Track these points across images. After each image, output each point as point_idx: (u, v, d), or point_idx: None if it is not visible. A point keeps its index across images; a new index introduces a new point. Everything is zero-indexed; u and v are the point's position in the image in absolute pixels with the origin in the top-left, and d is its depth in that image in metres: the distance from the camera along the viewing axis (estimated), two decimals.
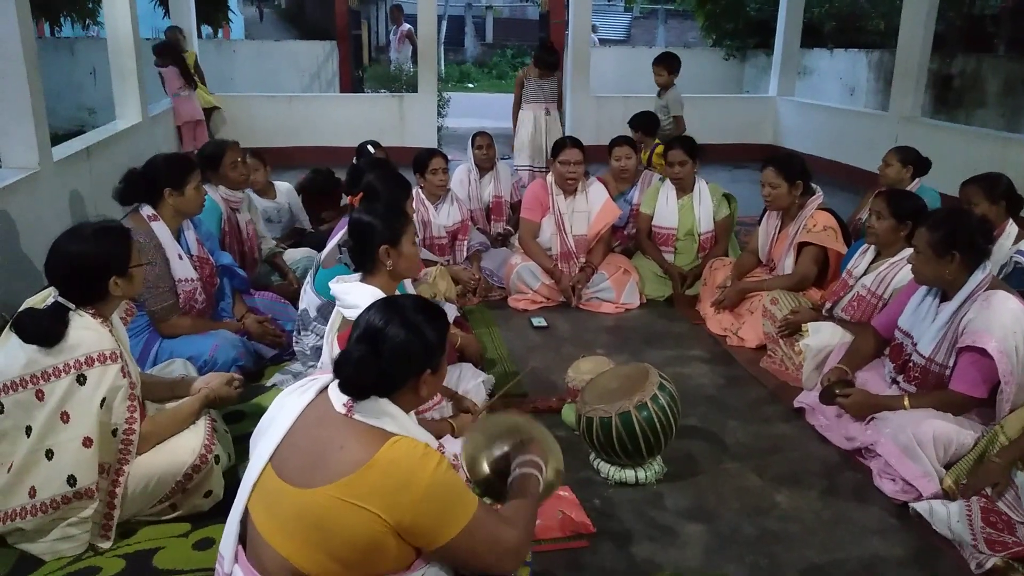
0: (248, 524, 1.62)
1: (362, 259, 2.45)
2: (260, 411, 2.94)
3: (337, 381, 1.58)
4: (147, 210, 3.07)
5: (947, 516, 2.30)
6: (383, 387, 1.58)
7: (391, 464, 1.50)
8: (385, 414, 1.58)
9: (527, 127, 6.20)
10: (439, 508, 1.50)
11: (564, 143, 4.44)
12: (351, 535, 1.49)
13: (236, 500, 1.65)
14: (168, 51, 7.60)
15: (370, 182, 3.19)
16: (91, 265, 2.17)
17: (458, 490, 1.55)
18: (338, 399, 1.59)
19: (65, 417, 2.11)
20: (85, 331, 2.14)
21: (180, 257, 3.12)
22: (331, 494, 1.48)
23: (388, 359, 1.57)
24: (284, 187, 4.88)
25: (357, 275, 2.48)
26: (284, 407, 1.66)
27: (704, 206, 4.50)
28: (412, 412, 1.69)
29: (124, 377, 2.17)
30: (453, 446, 2.13)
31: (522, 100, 6.26)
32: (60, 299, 2.16)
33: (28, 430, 2.12)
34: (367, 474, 1.49)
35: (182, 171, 3.11)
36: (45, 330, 2.11)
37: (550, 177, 4.50)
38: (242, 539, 1.65)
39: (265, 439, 1.64)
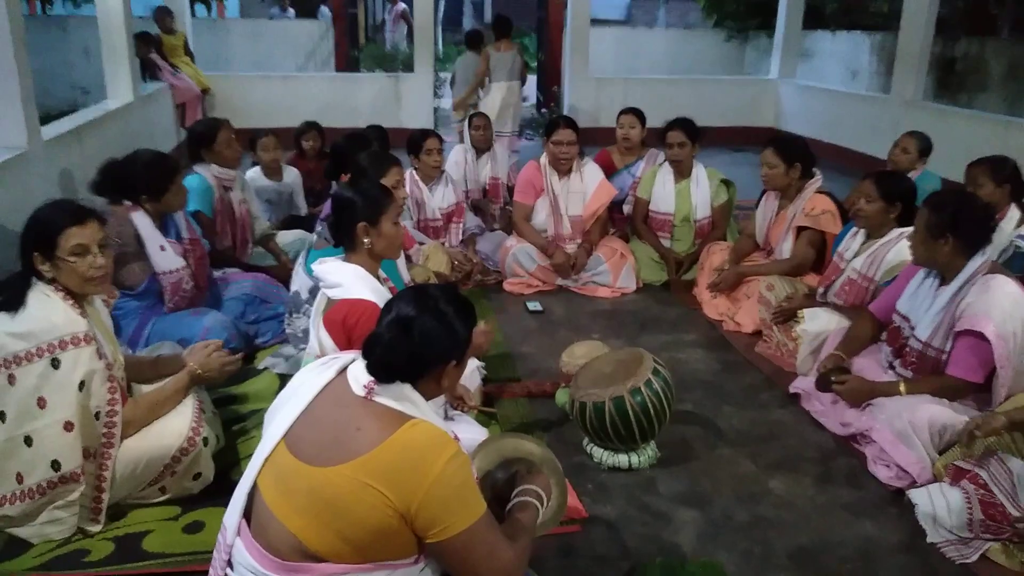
0: (256, 499, 1.61)
1: (339, 235, 2.42)
2: (250, 394, 2.98)
3: (364, 362, 1.58)
4: (127, 202, 3.01)
5: (946, 505, 2.27)
6: (409, 372, 1.58)
7: (406, 445, 1.49)
8: (406, 399, 1.57)
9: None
10: (446, 498, 1.48)
11: (558, 123, 4.39)
12: (361, 516, 1.47)
13: (246, 473, 1.64)
14: (144, 42, 7.57)
15: (357, 161, 3.17)
16: (23, 233, 2.14)
17: (469, 487, 1.54)
18: (357, 381, 1.57)
19: (42, 402, 2.08)
20: (55, 313, 2.10)
21: (163, 248, 3.05)
22: (345, 473, 1.47)
23: (418, 345, 1.57)
24: (292, 172, 4.89)
25: (340, 254, 2.45)
26: (303, 384, 1.65)
27: (702, 191, 4.45)
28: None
29: (100, 359, 2.14)
30: (463, 433, 2.10)
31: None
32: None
33: (2, 416, 2.09)
34: (382, 453, 1.47)
35: (161, 179, 3.01)
36: (7, 293, 2.08)
37: (544, 158, 4.45)
38: (246, 515, 1.63)
39: (281, 415, 1.63)
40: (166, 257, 3.06)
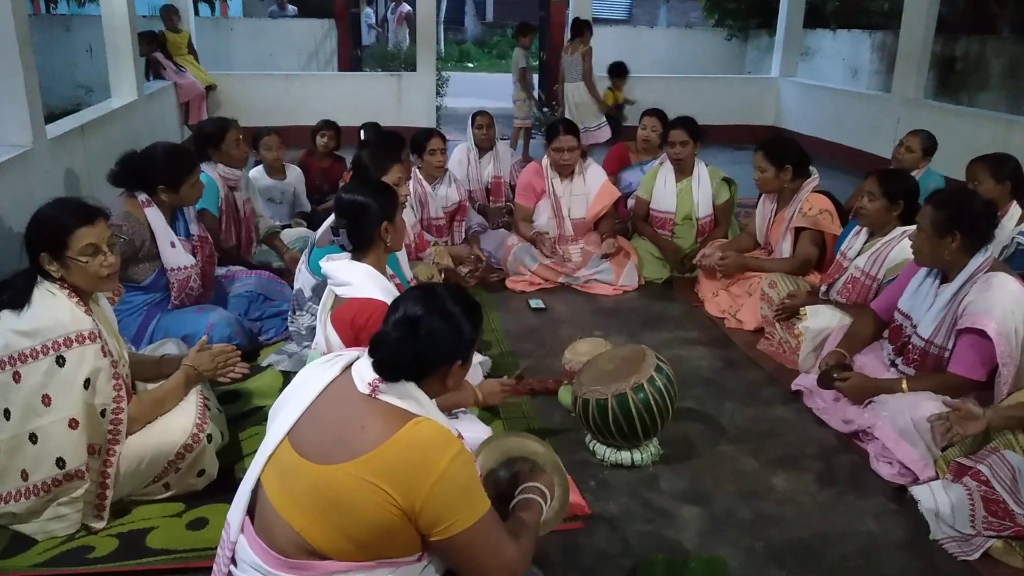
0: (260, 496, 1.61)
1: (360, 239, 2.43)
2: (254, 391, 2.98)
3: (369, 360, 1.58)
4: (142, 195, 3.02)
5: (948, 501, 2.28)
6: (415, 371, 1.59)
7: (410, 443, 1.49)
8: (410, 397, 1.57)
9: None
10: (451, 497, 1.48)
11: (558, 129, 4.38)
12: (364, 515, 1.47)
13: (249, 471, 1.64)
14: (148, 40, 7.60)
15: (358, 159, 3.17)
16: (30, 231, 2.13)
17: (473, 485, 1.54)
18: (362, 379, 1.58)
19: (46, 400, 2.08)
20: (60, 311, 2.10)
21: (173, 245, 3.06)
22: (349, 471, 1.47)
23: (424, 345, 1.57)
24: (295, 171, 4.92)
25: (347, 253, 2.46)
26: (307, 381, 1.65)
27: (703, 190, 4.44)
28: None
29: (105, 357, 2.14)
30: (467, 431, 2.11)
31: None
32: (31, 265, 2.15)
33: (7, 413, 2.09)
34: (386, 452, 1.48)
35: (180, 170, 3.05)
36: (13, 291, 2.08)
37: (545, 160, 4.46)
38: (250, 511, 1.64)
39: (284, 412, 1.63)
40: (176, 254, 3.07)
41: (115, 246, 2.23)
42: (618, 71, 7.66)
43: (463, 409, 2.62)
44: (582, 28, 7.29)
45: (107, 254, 2.18)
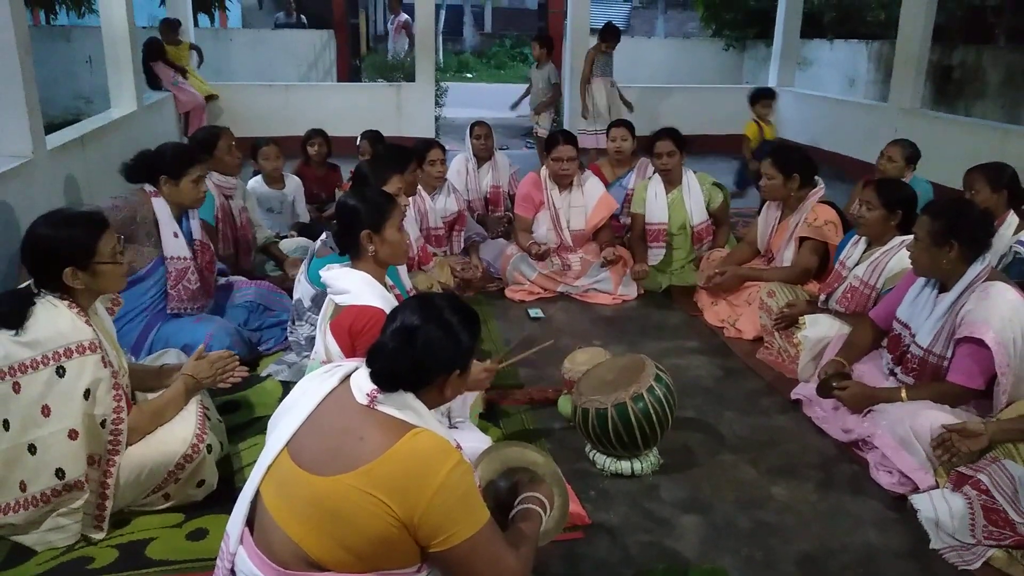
0: (259, 507, 1.61)
1: (345, 243, 2.43)
2: (253, 401, 2.98)
3: (367, 371, 1.58)
4: (149, 188, 3.13)
5: (948, 511, 2.27)
6: (413, 381, 1.59)
7: (409, 455, 1.49)
8: (408, 407, 1.57)
9: (601, 96, 7.17)
10: (450, 508, 1.48)
11: (557, 139, 4.39)
12: (363, 526, 1.47)
13: (248, 481, 1.64)
14: (152, 50, 7.65)
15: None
16: (46, 250, 2.12)
17: (472, 496, 1.54)
18: (360, 390, 1.58)
19: (46, 411, 2.08)
20: (61, 322, 2.10)
21: (176, 235, 3.13)
22: (347, 483, 1.47)
23: (421, 355, 1.57)
24: (294, 181, 4.93)
25: (347, 262, 2.47)
26: (306, 392, 1.66)
27: (695, 198, 4.44)
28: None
29: (105, 367, 2.14)
30: (466, 441, 2.10)
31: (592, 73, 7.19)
32: (30, 283, 2.15)
33: (6, 424, 2.09)
34: (384, 463, 1.48)
35: (182, 163, 3.14)
36: (5, 311, 2.08)
37: (544, 171, 4.47)
38: (249, 523, 1.64)
39: (283, 423, 1.63)
40: (177, 244, 3.13)
41: (121, 241, 2.29)
42: (763, 96, 6.27)
43: (462, 419, 2.62)
44: (600, 33, 7.29)
45: (123, 251, 2.27)
